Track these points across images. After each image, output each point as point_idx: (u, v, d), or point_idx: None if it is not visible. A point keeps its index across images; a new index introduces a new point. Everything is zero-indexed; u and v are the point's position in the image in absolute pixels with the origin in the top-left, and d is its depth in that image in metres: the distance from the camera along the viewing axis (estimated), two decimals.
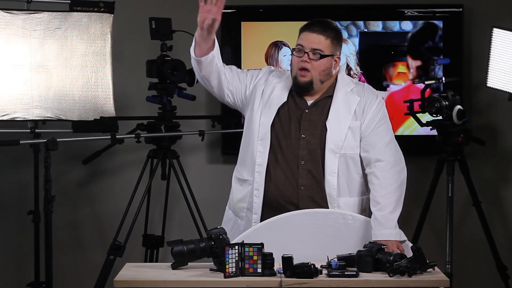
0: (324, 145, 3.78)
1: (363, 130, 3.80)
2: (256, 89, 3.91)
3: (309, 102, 3.85)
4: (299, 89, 3.84)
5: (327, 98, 3.85)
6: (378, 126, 3.82)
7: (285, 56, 5.48)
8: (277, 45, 5.47)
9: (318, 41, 3.80)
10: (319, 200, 3.78)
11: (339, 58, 3.86)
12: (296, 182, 3.79)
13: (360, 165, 3.81)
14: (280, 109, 3.84)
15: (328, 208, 3.75)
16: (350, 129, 3.79)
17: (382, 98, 3.94)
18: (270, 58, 5.48)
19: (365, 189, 3.83)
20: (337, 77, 3.90)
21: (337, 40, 3.85)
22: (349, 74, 5.42)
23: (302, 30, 3.87)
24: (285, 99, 3.85)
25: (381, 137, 3.80)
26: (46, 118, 4.98)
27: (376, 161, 3.75)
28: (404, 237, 3.67)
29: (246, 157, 3.89)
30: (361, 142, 3.80)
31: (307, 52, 3.80)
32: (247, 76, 3.96)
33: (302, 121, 3.83)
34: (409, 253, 3.38)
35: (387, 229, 3.63)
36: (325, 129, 3.80)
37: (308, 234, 3.64)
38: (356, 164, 3.81)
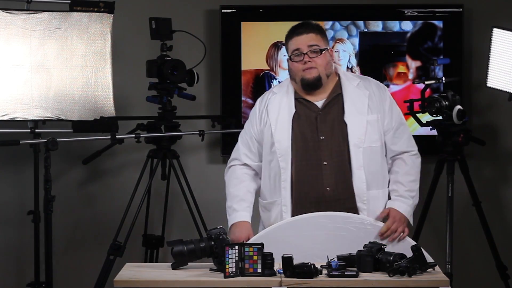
0: (347, 141, 3.85)
1: (386, 124, 3.91)
2: (262, 121, 3.97)
3: (319, 104, 3.91)
4: (309, 88, 3.90)
5: (337, 96, 3.91)
6: (399, 119, 3.96)
7: (285, 56, 5.48)
8: (276, 46, 5.48)
9: (310, 39, 3.88)
10: (346, 198, 3.83)
11: (332, 50, 3.96)
12: (321, 184, 3.83)
13: (380, 157, 3.89)
14: (293, 120, 3.90)
15: (356, 205, 3.81)
16: (368, 123, 3.87)
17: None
18: (270, 59, 5.48)
19: (387, 181, 3.92)
20: (338, 74, 3.96)
21: (324, 34, 3.96)
22: None
23: (290, 36, 3.93)
24: (294, 110, 3.91)
25: (405, 128, 3.97)
26: (46, 118, 4.98)
27: (403, 152, 3.94)
28: (410, 216, 3.83)
29: (269, 181, 3.92)
30: (386, 135, 3.91)
31: (305, 53, 3.85)
32: (254, 139, 4.00)
33: (318, 123, 3.88)
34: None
35: (404, 203, 3.83)
36: (344, 125, 3.86)
37: (327, 236, 3.66)
38: (377, 157, 3.88)
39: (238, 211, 3.88)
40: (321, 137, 3.86)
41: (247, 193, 3.93)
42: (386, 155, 3.93)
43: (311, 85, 3.88)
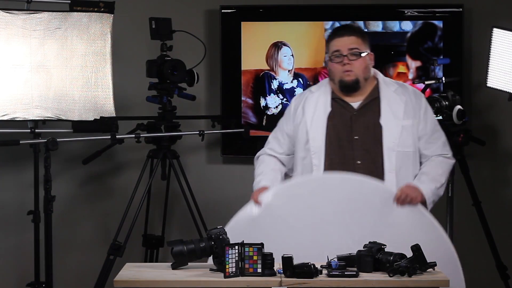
0: (381, 144, 3.90)
1: (420, 129, 3.96)
2: (297, 119, 4.04)
3: (355, 105, 3.97)
4: (346, 90, 3.97)
5: (374, 100, 3.98)
6: (433, 125, 4.02)
7: (285, 56, 5.49)
8: (277, 45, 5.48)
9: (352, 42, 3.96)
10: None
11: (372, 54, 4.02)
12: None
13: (412, 163, 3.93)
14: (328, 119, 3.97)
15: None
16: (403, 128, 3.93)
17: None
18: (270, 58, 5.48)
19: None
20: (377, 79, 4.04)
21: (366, 38, 4.03)
22: None
23: (332, 37, 4.02)
24: (329, 109, 3.98)
25: (440, 135, 4.03)
26: (46, 118, 4.98)
27: (438, 155, 3.99)
28: (429, 198, 3.85)
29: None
30: (420, 141, 3.97)
31: (345, 55, 3.93)
32: (286, 135, 4.09)
33: (353, 123, 3.93)
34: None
35: (424, 184, 3.85)
36: (379, 127, 3.91)
37: (340, 197, 3.75)
38: (409, 162, 3.93)
39: (259, 182, 3.96)
40: (355, 137, 3.92)
41: (271, 171, 4.02)
42: (420, 162, 3.99)
43: (349, 87, 3.96)
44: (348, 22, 5.43)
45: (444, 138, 4.04)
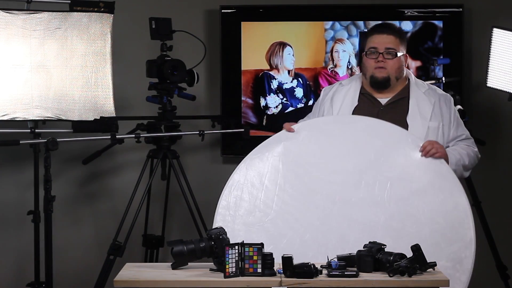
0: None
1: (452, 133, 4.03)
2: (322, 111, 4.12)
3: (383, 101, 4.03)
4: (377, 86, 4.02)
5: (403, 99, 4.02)
6: (463, 129, 4.10)
7: (289, 54, 5.48)
8: (282, 44, 5.48)
9: (389, 41, 4.01)
10: None
11: (407, 56, 4.08)
12: None
13: None
14: (354, 112, 4.02)
15: None
16: (429, 128, 3.97)
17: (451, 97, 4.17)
18: (274, 55, 5.47)
19: None
20: (408, 79, 4.08)
21: (404, 39, 4.08)
22: (350, 74, 5.43)
23: (371, 33, 4.08)
24: (356, 103, 4.04)
25: (469, 137, 4.11)
26: (46, 118, 4.98)
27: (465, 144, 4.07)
28: (452, 164, 3.89)
29: None
30: (450, 143, 4.02)
31: (381, 53, 3.98)
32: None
33: (379, 118, 3.95)
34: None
35: (452, 153, 3.92)
36: (405, 125, 3.95)
37: (359, 135, 3.88)
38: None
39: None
40: None
41: None
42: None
43: (379, 84, 4.01)
44: (348, 22, 5.44)
45: (473, 141, 4.12)
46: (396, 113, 4.00)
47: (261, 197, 3.83)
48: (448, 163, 3.88)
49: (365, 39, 4.08)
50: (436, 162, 3.83)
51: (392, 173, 3.79)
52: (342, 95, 4.09)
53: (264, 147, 3.95)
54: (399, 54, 4.00)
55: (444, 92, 4.17)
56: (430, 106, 4.01)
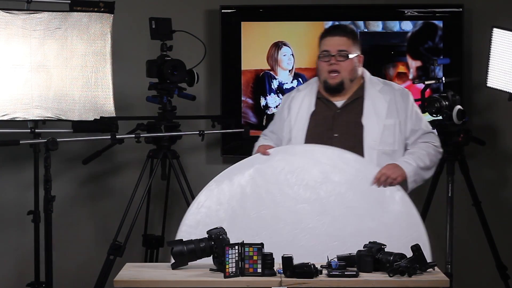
0: (362, 142, 3.93)
1: (408, 128, 4.00)
2: (282, 118, 4.13)
3: (339, 104, 4.02)
4: (330, 91, 4.02)
5: (358, 99, 4.01)
6: (422, 122, 4.05)
7: (285, 56, 5.48)
8: (277, 45, 5.48)
9: (342, 43, 4.00)
10: None
11: (361, 56, 4.06)
12: None
13: (393, 161, 3.93)
14: (311, 118, 4.02)
15: None
16: (385, 127, 3.96)
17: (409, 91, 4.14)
18: (270, 58, 5.48)
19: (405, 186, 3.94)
20: (363, 78, 4.07)
21: (357, 40, 4.06)
22: None
23: (323, 36, 4.06)
24: (313, 108, 4.04)
25: (429, 131, 4.06)
26: (46, 118, 4.98)
27: (425, 142, 4.02)
28: (410, 177, 3.87)
29: None
30: (410, 139, 4.01)
31: (333, 55, 3.97)
32: (272, 133, 4.20)
33: (335, 121, 3.98)
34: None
35: (406, 162, 3.89)
36: (360, 127, 3.95)
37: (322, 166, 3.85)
38: (391, 160, 3.93)
39: (262, 142, 4.11)
40: (334, 135, 3.96)
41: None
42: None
43: (332, 89, 4.01)
44: (348, 22, 5.43)
45: (434, 135, 4.07)
46: (351, 115, 3.99)
47: (226, 218, 3.79)
48: (407, 178, 3.87)
49: (319, 42, 4.06)
50: (393, 197, 3.81)
51: (357, 209, 3.77)
52: (299, 101, 4.08)
53: (236, 168, 3.92)
54: (351, 56, 3.99)
55: (401, 87, 4.17)
56: (385, 103, 4.00)
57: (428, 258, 3.52)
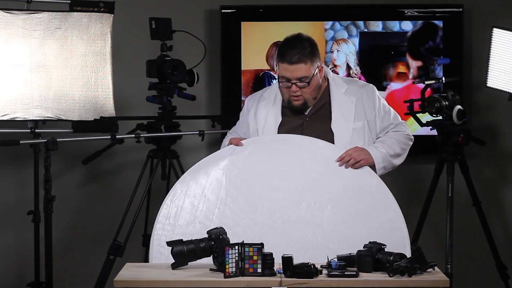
0: None
1: (378, 124, 3.98)
2: (246, 124, 4.08)
3: (306, 111, 3.97)
4: (295, 112, 3.96)
5: (324, 105, 3.97)
6: (395, 119, 4.02)
7: None
8: (277, 45, 5.47)
9: (299, 69, 3.86)
10: None
11: (322, 66, 3.96)
12: None
13: None
14: (280, 129, 3.97)
15: None
16: (354, 130, 3.92)
17: (373, 86, 4.08)
18: (270, 58, 5.48)
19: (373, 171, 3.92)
20: (327, 79, 4.00)
21: (314, 53, 3.90)
22: (348, 74, 5.43)
23: (279, 60, 3.91)
24: (280, 119, 3.99)
25: (399, 123, 4.03)
26: (46, 118, 4.98)
27: (394, 131, 4.00)
28: (379, 163, 3.87)
29: None
30: (381, 134, 3.99)
31: (294, 83, 3.88)
32: (241, 125, 4.14)
33: (304, 129, 3.93)
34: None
35: (374, 148, 3.88)
36: (330, 133, 3.92)
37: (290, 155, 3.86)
38: None
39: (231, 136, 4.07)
40: None
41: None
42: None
43: (296, 110, 3.95)
44: (348, 22, 5.44)
45: (403, 125, 4.04)
46: (320, 122, 3.95)
47: (202, 208, 3.79)
48: (375, 164, 3.87)
49: (277, 63, 3.92)
50: (365, 177, 3.83)
51: (333, 195, 3.77)
52: (265, 111, 4.01)
53: (210, 160, 3.92)
54: (312, 79, 3.87)
55: (365, 83, 4.11)
56: (352, 106, 3.95)
57: (405, 239, 3.63)
